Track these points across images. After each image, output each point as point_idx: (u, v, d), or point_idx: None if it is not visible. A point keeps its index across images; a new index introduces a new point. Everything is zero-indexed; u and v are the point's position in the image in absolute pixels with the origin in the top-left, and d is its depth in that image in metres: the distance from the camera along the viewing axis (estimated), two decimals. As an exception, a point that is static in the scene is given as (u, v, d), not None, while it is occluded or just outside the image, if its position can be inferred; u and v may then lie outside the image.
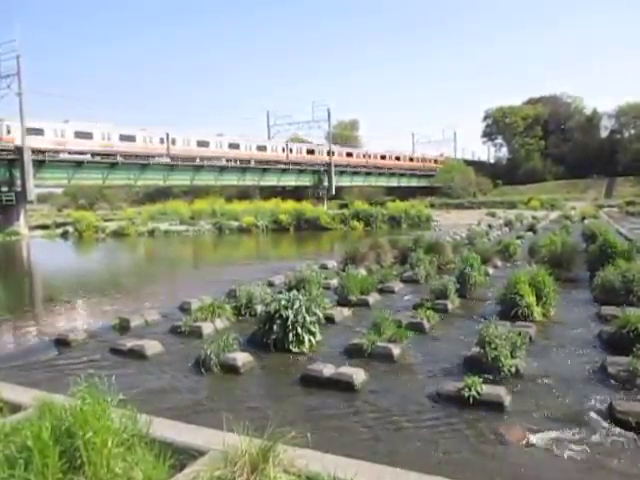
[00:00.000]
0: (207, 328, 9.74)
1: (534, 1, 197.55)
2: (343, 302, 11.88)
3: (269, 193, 71.65)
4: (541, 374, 7.17)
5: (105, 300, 14.85)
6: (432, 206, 65.88)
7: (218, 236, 43.09)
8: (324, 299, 10.93)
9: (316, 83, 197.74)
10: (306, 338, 8.58)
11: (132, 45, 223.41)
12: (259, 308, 10.39)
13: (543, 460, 4.98)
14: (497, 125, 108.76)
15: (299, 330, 8.51)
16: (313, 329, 8.77)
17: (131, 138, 54.23)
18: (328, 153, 77.49)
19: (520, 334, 7.71)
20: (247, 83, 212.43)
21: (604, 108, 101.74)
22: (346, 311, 11.08)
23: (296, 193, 73.21)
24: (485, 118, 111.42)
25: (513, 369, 7.06)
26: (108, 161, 52.43)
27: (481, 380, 6.32)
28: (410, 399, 6.48)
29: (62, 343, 9.29)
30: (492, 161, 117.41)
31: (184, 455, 4.23)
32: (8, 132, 43.88)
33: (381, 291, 13.20)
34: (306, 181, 76.57)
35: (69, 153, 49.29)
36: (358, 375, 6.99)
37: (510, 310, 10.00)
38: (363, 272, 14.92)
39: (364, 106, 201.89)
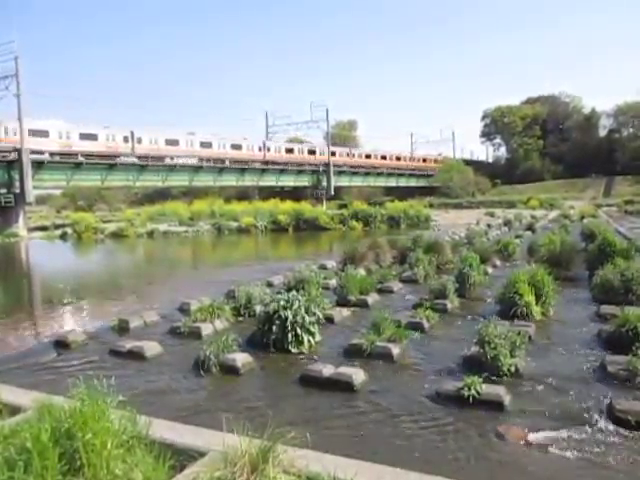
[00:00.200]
0: (206, 329, 9.73)
1: (534, 1, 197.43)
2: (342, 302, 11.88)
3: (268, 193, 71.51)
4: (540, 373, 7.17)
5: (104, 301, 14.85)
6: (431, 206, 65.93)
7: (217, 237, 43.08)
8: (323, 299, 10.92)
9: (315, 83, 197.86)
10: (305, 338, 8.58)
11: (132, 45, 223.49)
12: (258, 309, 10.38)
13: (542, 459, 4.98)
14: (495, 125, 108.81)
15: (298, 330, 8.51)
16: (312, 329, 8.77)
17: (92, 137, 51.19)
18: (311, 152, 76.30)
19: (519, 333, 7.72)
20: (247, 83, 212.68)
21: (604, 108, 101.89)
22: (345, 311, 11.08)
23: (295, 193, 73.12)
24: (483, 118, 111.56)
25: (512, 368, 7.06)
26: (106, 162, 52.41)
27: (481, 379, 6.33)
28: (410, 399, 6.48)
29: (61, 344, 9.28)
30: (490, 161, 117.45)
31: (184, 456, 4.23)
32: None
33: (380, 291, 13.20)
34: (305, 181, 76.55)
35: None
36: (357, 375, 6.99)
37: (509, 309, 10.01)
38: (362, 272, 14.92)
39: (363, 106, 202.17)
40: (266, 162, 69.73)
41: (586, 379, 6.99)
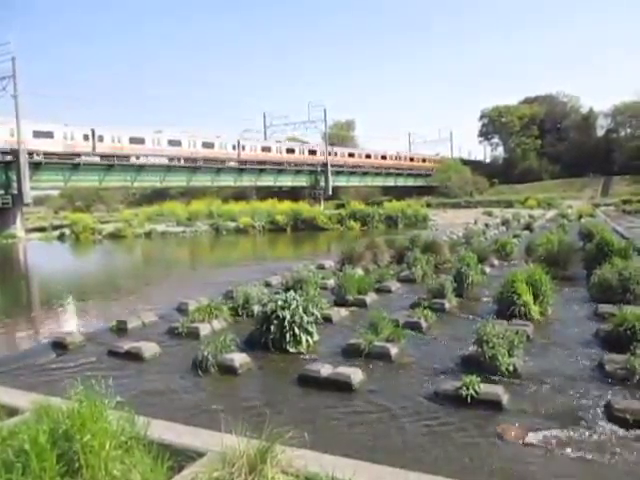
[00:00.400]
0: (204, 329, 9.73)
1: (533, 1, 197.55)
2: (340, 302, 11.87)
3: (266, 194, 71.51)
4: (539, 373, 7.17)
5: (102, 302, 14.84)
6: (429, 205, 66.03)
7: (215, 237, 43.09)
8: (321, 299, 10.90)
9: (314, 83, 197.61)
10: (303, 338, 8.57)
11: (131, 45, 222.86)
12: (256, 309, 10.37)
13: (541, 458, 4.98)
14: (493, 124, 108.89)
15: (296, 330, 8.51)
16: (310, 329, 8.76)
17: (48, 135, 47.96)
18: (290, 151, 74.10)
19: (517, 333, 7.73)
20: (247, 83, 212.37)
21: (602, 108, 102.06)
22: (343, 311, 11.08)
23: (293, 193, 73.23)
24: (481, 117, 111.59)
25: (511, 368, 7.06)
26: (105, 163, 52.36)
27: (479, 379, 6.33)
28: (408, 398, 6.48)
29: (59, 346, 9.25)
30: (488, 160, 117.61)
31: (182, 457, 4.23)
32: None
33: (378, 291, 13.19)
34: (303, 181, 76.61)
35: None
36: (356, 375, 6.99)
37: (507, 309, 10.00)
38: (360, 272, 14.91)
39: (361, 106, 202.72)
40: (243, 162, 66.91)
41: (584, 378, 7.00)
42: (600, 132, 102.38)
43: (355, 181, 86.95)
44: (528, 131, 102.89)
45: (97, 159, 51.87)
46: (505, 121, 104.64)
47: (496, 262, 17.83)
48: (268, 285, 14.00)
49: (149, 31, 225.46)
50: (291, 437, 4.01)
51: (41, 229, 50.78)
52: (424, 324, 9.61)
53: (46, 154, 47.48)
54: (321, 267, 17.43)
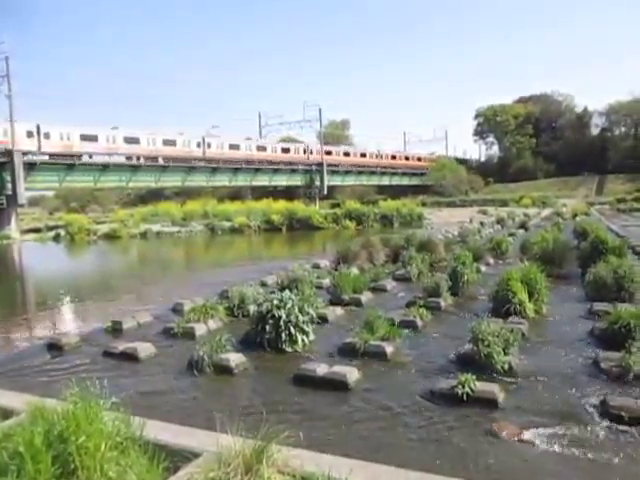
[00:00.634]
0: (200, 329, 9.71)
1: (529, 2, 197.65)
2: (336, 301, 11.88)
3: (261, 193, 71.35)
4: (534, 370, 7.19)
5: (97, 303, 14.80)
6: (424, 204, 65.97)
7: (210, 237, 43.03)
8: (317, 298, 10.93)
9: (312, 84, 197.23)
10: (299, 337, 8.57)
11: (129, 45, 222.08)
12: (252, 308, 10.36)
13: (537, 456, 5.00)
14: (488, 123, 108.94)
15: (292, 330, 8.51)
16: (306, 328, 8.76)
17: None
18: (260, 148, 69.25)
19: (513, 331, 7.75)
20: (244, 83, 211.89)
21: (596, 107, 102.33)
22: (339, 310, 11.09)
23: (288, 193, 73.14)
24: (476, 117, 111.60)
25: (506, 366, 7.08)
26: (100, 162, 52.21)
27: (474, 377, 6.34)
28: (404, 397, 6.48)
29: (54, 347, 9.24)
30: (483, 159, 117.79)
31: (178, 457, 4.22)
32: None
33: (374, 290, 13.20)
34: (298, 181, 76.52)
35: None
36: (352, 374, 6.99)
37: (502, 307, 10.03)
38: (355, 271, 14.91)
39: (356, 106, 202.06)
40: (209, 160, 62.79)
41: (579, 376, 7.02)
42: (595, 131, 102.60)
43: (350, 180, 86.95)
44: (523, 130, 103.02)
45: (45, 157, 48.13)
46: (500, 120, 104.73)
47: (491, 260, 17.86)
48: (264, 285, 13.99)
49: (148, 30, 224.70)
50: (287, 436, 4.01)
51: (36, 230, 50.50)
52: (420, 323, 9.63)
53: None
54: (316, 266, 17.43)
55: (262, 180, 71.44)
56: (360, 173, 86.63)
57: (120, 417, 4.12)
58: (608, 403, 5.81)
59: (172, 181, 62.21)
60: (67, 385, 4.41)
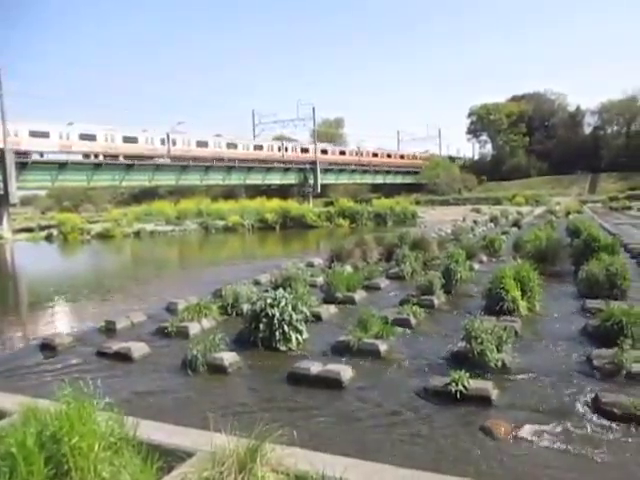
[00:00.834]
0: (194, 328, 9.70)
1: (524, 2, 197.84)
2: (329, 299, 11.89)
3: (255, 192, 71.31)
4: (527, 368, 7.22)
5: (91, 303, 14.74)
6: (417, 203, 66.08)
7: (204, 236, 42.93)
8: (310, 297, 10.94)
9: (309, 83, 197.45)
10: (293, 336, 8.57)
11: (129, 45, 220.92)
12: (245, 307, 10.35)
13: (530, 453, 5.02)
14: (482, 122, 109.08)
15: (286, 328, 8.51)
16: (300, 327, 8.76)
17: None
18: (231, 145, 66.05)
19: (506, 328, 7.78)
20: (242, 83, 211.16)
21: (589, 106, 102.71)
22: (332, 308, 11.10)
23: (282, 191, 73.08)
24: (470, 115, 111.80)
25: (499, 363, 7.11)
26: (92, 162, 51.96)
27: (468, 375, 6.36)
28: (397, 395, 6.50)
29: (48, 347, 9.20)
30: (477, 158, 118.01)
31: (172, 457, 4.20)
32: None
33: (367, 288, 13.22)
34: (291, 179, 76.46)
35: None
36: (345, 372, 7.01)
37: (496, 305, 10.06)
38: (349, 269, 14.95)
39: (353, 105, 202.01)
40: (174, 158, 59.27)
41: (572, 373, 7.05)
42: (587, 130, 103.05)
43: (344, 178, 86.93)
44: (516, 128, 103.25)
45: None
46: (493, 119, 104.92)
47: (484, 258, 17.93)
48: (257, 283, 13.99)
49: (149, 31, 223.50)
50: (281, 435, 4.01)
51: (28, 230, 50.20)
52: (413, 320, 9.65)
53: None
54: (310, 265, 17.44)
55: (256, 179, 71.33)
56: (353, 171, 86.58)
57: (114, 417, 4.11)
58: (600, 400, 5.85)
59: (166, 180, 61.93)
60: (60, 386, 4.39)
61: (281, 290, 9.53)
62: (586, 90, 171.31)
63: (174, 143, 59.01)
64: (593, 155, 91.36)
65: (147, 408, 6.16)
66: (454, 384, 6.22)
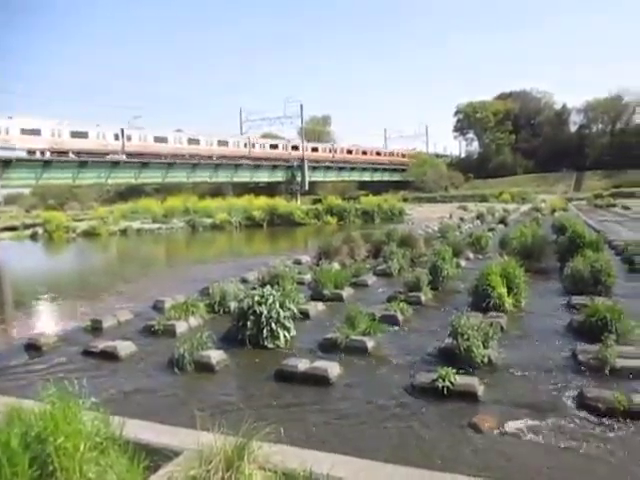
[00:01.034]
0: (181, 327, 9.65)
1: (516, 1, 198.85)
2: (317, 297, 11.89)
3: (242, 189, 71.11)
4: (513, 363, 7.28)
5: (76, 302, 14.60)
6: (405, 200, 66.30)
7: (191, 234, 42.71)
8: (298, 294, 10.92)
9: (295, 82, 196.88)
10: (281, 333, 8.56)
11: (125, 45, 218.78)
12: (233, 305, 10.33)
13: (517, 448, 5.07)
14: (468, 120, 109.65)
15: (273, 326, 8.50)
16: (287, 324, 8.76)
17: None
18: (192, 141, 63.34)
19: (492, 325, 7.85)
20: (238, 82, 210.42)
21: (575, 104, 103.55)
22: (320, 305, 11.10)
23: (269, 189, 72.95)
24: (456, 113, 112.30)
25: (486, 359, 7.16)
26: (77, 159, 51.46)
27: (454, 371, 6.40)
28: (385, 391, 6.52)
29: (33, 347, 9.09)
30: (463, 155, 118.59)
31: (159, 456, 4.19)
32: None
33: (355, 285, 13.24)
34: (279, 177, 76.40)
35: None
36: (333, 369, 7.01)
37: (482, 301, 10.12)
38: (337, 266, 14.98)
39: (340, 104, 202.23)
40: (130, 154, 56.36)
41: (558, 368, 7.12)
42: (573, 128, 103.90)
43: (332, 176, 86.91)
44: (502, 126, 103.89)
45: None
46: (480, 117, 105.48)
47: (471, 255, 18.03)
48: (245, 281, 13.95)
49: (148, 31, 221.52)
50: (268, 433, 4.01)
51: (12, 228, 49.56)
52: (400, 317, 9.68)
53: None
54: (298, 262, 17.44)
55: (243, 176, 71.16)
56: (341, 169, 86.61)
57: (99, 417, 4.08)
58: (585, 395, 5.91)
59: (152, 177, 61.57)
60: (45, 386, 4.35)
61: (269, 288, 9.51)
62: (572, 89, 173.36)
63: (129, 139, 56.19)
64: (578, 153, 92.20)
65: (134, 407, 6.12)
66: (441, 380, 6.26)
